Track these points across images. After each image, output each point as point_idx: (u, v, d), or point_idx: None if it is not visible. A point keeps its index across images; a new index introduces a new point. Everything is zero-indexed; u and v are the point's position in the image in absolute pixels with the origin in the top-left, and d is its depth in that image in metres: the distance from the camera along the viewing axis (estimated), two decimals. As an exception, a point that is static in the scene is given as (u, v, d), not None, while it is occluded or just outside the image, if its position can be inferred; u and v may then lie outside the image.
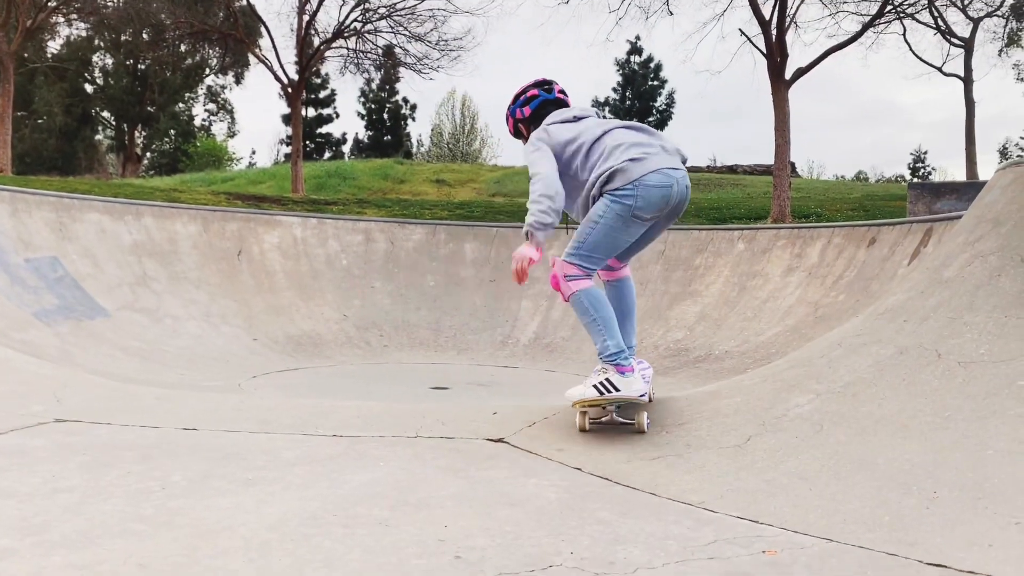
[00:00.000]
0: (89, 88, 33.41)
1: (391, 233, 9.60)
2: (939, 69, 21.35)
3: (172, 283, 8.01)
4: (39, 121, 31.80)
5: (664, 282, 7.95)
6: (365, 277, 9.14)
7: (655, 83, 33.87)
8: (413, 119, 37.31)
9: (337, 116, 37.24)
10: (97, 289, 7.34)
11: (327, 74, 31.13)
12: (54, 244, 7.39)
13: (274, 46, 18.28)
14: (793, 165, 20.01)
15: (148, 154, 36.84)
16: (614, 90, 34.16)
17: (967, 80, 20.54)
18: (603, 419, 2.64)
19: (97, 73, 33.67)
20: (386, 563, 1.54)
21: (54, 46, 30.29)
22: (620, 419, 2.62)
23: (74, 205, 7.95)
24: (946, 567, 1.58)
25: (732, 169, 23.06)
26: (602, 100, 33.93)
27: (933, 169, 34.16)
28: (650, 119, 32.53)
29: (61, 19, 23.52)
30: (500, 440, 2.65)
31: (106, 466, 2.15)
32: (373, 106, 36.50)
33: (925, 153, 38.35)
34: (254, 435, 2.60)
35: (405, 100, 36.68)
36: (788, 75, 13.28)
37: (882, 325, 3.08)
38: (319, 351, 7.84)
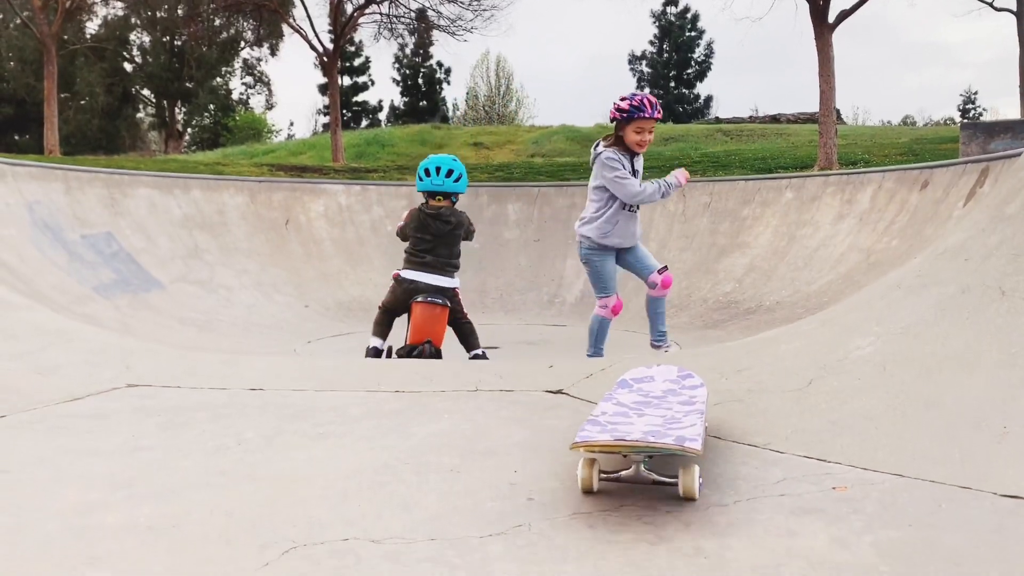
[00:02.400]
0: (128, 67, 33.80)
1: (434, 197, 9.63)
2: (990, 4, 20.53)
3: (223, 254, 8.16)
4: (82, 102, 32.30)
5: (711, 235, 7.87)
6: (410, 242, 9.20)
7: (692, 34, 33.17)
8: (448, 83, 37.17)
9: (372, 84, 37.26)
10: (151, 263, 7.52)
11: (360, 41, 31.10)
12: (108, 220, 7.57)
13: (308, 15, 18.34)
14: (838, 112, 19.46)
15: (189, 130, 37.28)
16: (651, 43, 33.53)
17: (1020, 15, 19.72)
18: (622, 472, 1.66)
19: (135, 51, 34.02)
20: (461, 506, 1.58)
21: (92, 26, 30.70)
22: (653, 475, 1.63)
23: (124, 181, 8.12)
24: (1021, 498, 1.57)
25: (775, 119, 22.60)
26: (638, 54, 33.35)
27: (984, 109, 33.06)
28: (688, 71, 31.92)
29: (98, -1, 23.79)
30: (559, 391, 2.68)
31: (182, 426, 2.23)
32: (408, 72, 36.40)
33: (975, 93, 37.05)
34: (320, 393, 2.67)
35: (439, 64, 36.52)
36: (831, 18, 12.91)
37: (942, 265, 3.02)
38: (370, 316, 7.85)
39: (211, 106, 35.91)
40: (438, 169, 3.82)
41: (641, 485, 1.65)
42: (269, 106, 39.92)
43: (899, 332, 2.71)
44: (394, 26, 19.63)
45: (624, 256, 3.95)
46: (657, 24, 33.14)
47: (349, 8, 18.38)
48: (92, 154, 24.00)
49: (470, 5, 18.19)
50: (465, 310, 4.06)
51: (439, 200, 3.84)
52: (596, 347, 3.80)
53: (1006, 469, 1.71)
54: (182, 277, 7.62)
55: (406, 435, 2.11)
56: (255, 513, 1.55)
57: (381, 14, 19.02)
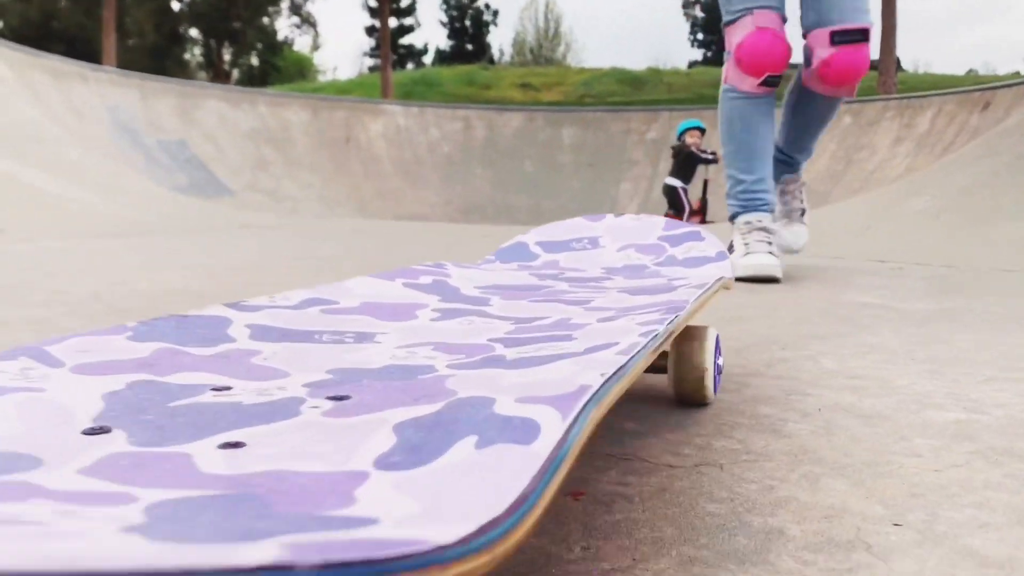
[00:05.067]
0: (176, 6, 34.07)
1: (489, 120, 9.82)
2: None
3: (288, 167, 8.48)
4: (130, 42, 32.69)
5: (764, 159, 7.98)
6: (466, 164, 9.43)
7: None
8: (495, 24, 36.91)
9: (419, 25, 37.12)
10: (221, 171, 7.86)
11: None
12: (180, 128, 7.90)
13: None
14: (898, 60, 18.99)
15: (236, 70, 37.59)
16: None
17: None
18: None
19: (184, -11, 34.20)
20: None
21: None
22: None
23: (195, 92, 8.44)
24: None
25: (830, 65, 22.13)
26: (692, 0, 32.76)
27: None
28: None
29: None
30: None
31: (307, 238, 2.52)
32: (455, 13, 36.18)
33: (1041, 47, 35.61)
34: (416, 233, 2.94)
35: (487, 6, 36.22)
36: (896, -49, 12.65)
37: (999, 141, 3.18)
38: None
39: (258, 45, 36.09)
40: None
41: None
42: (315, 47, 40.04)
43: (954, 193, 2.89)
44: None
45: None
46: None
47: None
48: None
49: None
50: (683, 199, 5.72)
51: (680, 140, 5.79)
52: (738, 162, 1.65)
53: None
54: (251, 186, 7.96)
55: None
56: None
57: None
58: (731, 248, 1.60)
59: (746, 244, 1.56)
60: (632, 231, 0.89)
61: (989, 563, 0.34)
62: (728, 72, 1.60)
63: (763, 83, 1.54)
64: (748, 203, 1.60)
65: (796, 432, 0.54)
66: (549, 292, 0.63)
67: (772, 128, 1.61)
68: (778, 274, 1.50)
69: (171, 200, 3.96)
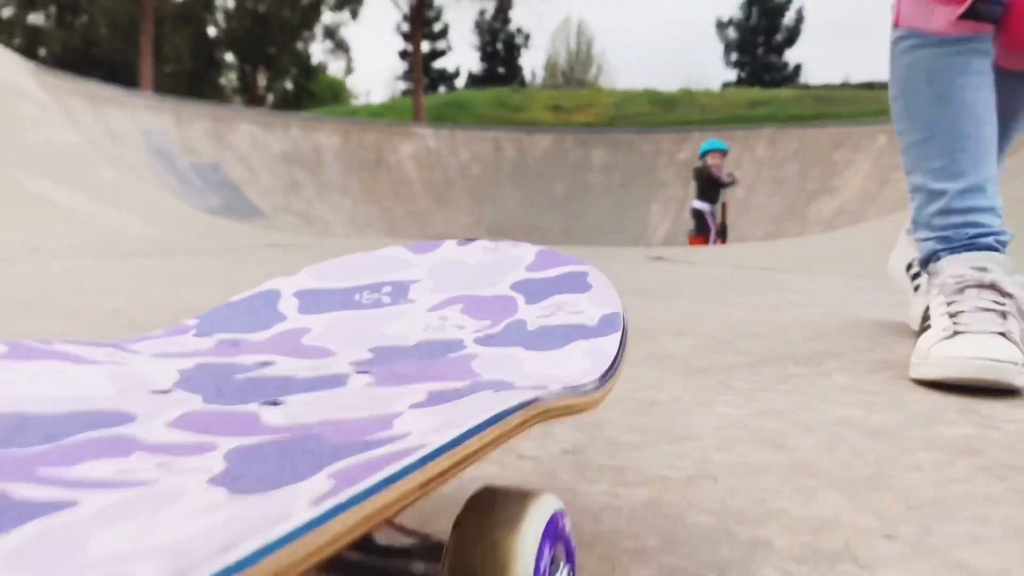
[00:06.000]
0: (212, 31, 34.80)
1: (519, 142, 9.88)
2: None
3: (319, 190, 8.59)
4: (167, 68, 33.39)
5: (800, 179, 7.91)
6: (496, 185, 9.48)
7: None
8: (527, 47, 37.20)
9: (451, 49, 37.58)
10: (254, 193, 7.98)
11: (440, 6, 31.35)
12: (214, 151, 8.06)
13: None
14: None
15: (270, 95, 38.25)
16: (740, 8, 32.89)
17: None
18: None
19: (219, 15, 34.97)
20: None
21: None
22: None
23: (229, 116, 8.60)
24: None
25: (869, 85, 21.98)
26: (725, 20, 32.77)
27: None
28: (776, 36, 31.22)
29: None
30: (658, 258, 2.91)
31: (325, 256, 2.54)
32: (487, 37, 36.55)
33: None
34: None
35: (519, 30, 36.55)
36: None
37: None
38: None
39: (292, 70, 36.71)
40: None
41: None
42: (349, 71, 40.66)
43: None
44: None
45: None
46: (744, -11, 32.40)
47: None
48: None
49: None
50: (710, 222, 5.55)
51: (702, 161, 5.64)
52: (930, 158, 0.84)
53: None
54: (283, 208, 8.07)
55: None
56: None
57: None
58: (925, 323, 0.80)
59: (954, 316, 0.76)
60: (472, 272, 0.49)
61: (979, 576, 0.33)
62: (903, 6, 0.89)
63: (969, 13, 0.81)
64: (956, 233, 0.82)
65: (798, 446, 0.53)
66: (98, 445, 0.22)
67: (991, 96, 0.84)
68: (1018, 380, 0.68)
69: (203, 221, 4.03)
